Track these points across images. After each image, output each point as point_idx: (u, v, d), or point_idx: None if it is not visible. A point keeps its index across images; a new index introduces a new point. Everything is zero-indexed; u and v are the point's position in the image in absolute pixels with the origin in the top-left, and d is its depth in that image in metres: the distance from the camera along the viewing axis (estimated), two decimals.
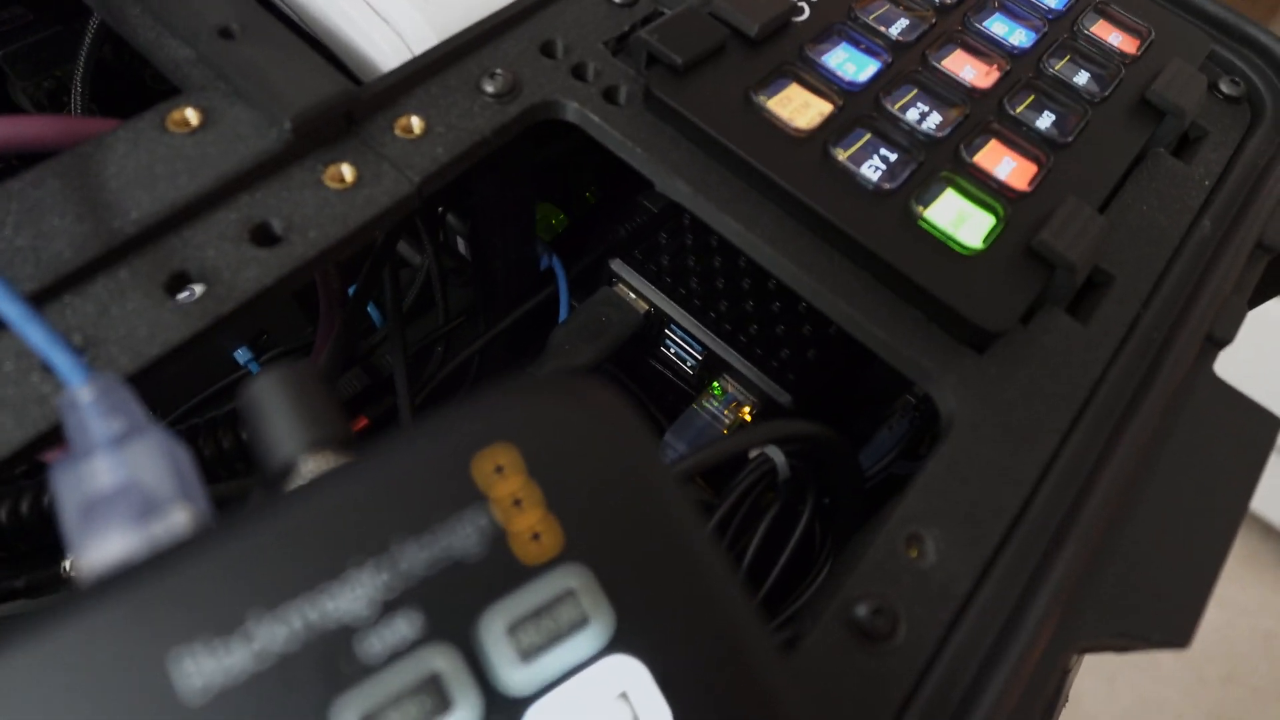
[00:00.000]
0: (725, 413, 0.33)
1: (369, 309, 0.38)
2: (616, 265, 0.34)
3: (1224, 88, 0.31)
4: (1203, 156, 0.29)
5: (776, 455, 0.27)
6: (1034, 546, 0.20)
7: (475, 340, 0.35)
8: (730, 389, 0.33)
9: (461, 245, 0.40)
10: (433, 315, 0.40)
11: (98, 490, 0.14)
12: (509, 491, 0.12)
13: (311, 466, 0.14)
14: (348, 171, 0.23)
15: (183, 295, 0.21)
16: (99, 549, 0.13)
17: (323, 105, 0.23)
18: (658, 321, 0.34)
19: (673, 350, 0.35)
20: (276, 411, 0.14)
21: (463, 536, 0.11)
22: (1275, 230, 0.27)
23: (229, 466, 0.31)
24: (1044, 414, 0.22)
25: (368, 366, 0.37)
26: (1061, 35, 0.30)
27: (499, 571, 0.11)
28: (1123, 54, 0.30)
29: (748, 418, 0.33)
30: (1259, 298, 0.27)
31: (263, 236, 0.22)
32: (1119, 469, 0.21)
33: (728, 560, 0.13)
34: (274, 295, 0.21)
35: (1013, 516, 0.21)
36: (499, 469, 0.12)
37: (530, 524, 0.12)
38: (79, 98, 0.30)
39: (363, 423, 0.35)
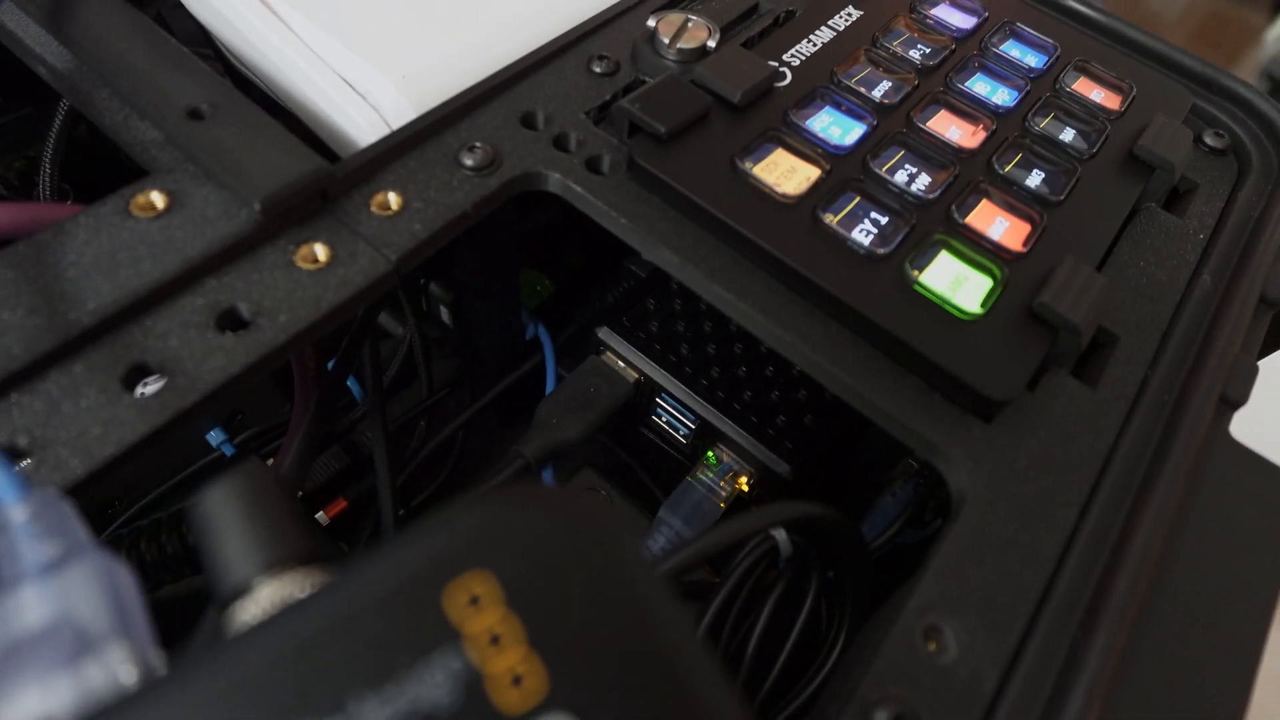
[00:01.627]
0: (722, 484, 0.31)
1: (349, 382, 0.37)
2: (604, 334, 0.33)
3: (1209, 140, 0.31)
4: (1195, 210, 0.29)
5: (778, 533, 0.26)
6: (1063, 632, 0.18)
7: (460, 414, 0.34)
8: (726, 458, 0.32)
9: (445, 314, 0.39)
10: (416, 388, 0.38)
11: (23, 629, 0.12)
12: (486, 626, 0.10)
13: (268, 592, 0.13)
14: (321, 251, 0.22)
15: (142, 389, 0.19)
16: (19, 702, 0.11)
17: (295, 185, 0.22)
18: (648, 390, 0.33)
19: (664, 419, 0.33)
20: (229, 529, 0.13)
21: (432, 685, 0.10)
22: (1277, 284, 0.26)
23: (176, 571, 0.29)
24: (1059, 486, 0.21)
25: (347, 444, 0.35)
26: (1044, 93, 0.30)
27: None
28: (1106, 110, 0.30)
29: (745, 488, 0.32)
30: (1264, 352, 0.26)
31: (230, 322, 0.21)
32: (1146, 543, 0.20)
33: (735, 695, 0.11)
34: (241, 384, 0.20)
35: (1037, 599, 0.19)
36: (474, 600, 0.10)
37: (510, 664, 0.10)
38: (47, 180, 0.29)
39: (340, 505, 0.33)
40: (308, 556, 0.13)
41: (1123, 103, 0.30)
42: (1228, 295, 0.26)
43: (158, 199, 0.22)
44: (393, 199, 0.24)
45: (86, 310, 0.20)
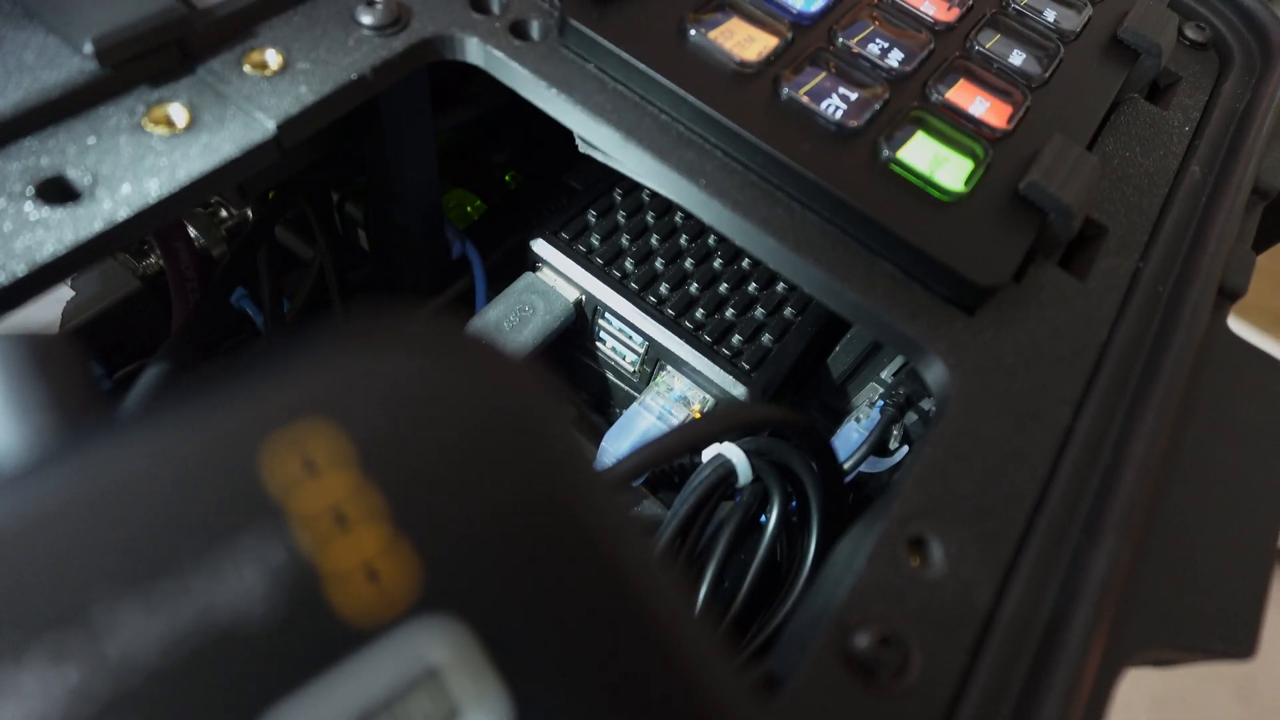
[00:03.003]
0: (673, 411, 0.28)
1: (250, 310, 0.32)
2: (539, 246, 0.29)
3: (1190, 34, 0.29)
4: (1179, 102, 0.27)
5: (735, 454, 0.23)
6: (1063, 541, 0.16)
7: None
8: (677, 385, 0.29)
9: (363, 239, 0.35)
10: (331, 319, 0.34)
11: None
12: (326, 501, 0.07)
13: None
14: (179, 114, 0.18)
15: None
16: None
17: (138, 27, 0.18)
18: (590, 310, 0.29)
19: (609, 344, 0.30)
20: None
21: (236, 585, 0.07)
22: (1269, 174, 0.24)
23: None
24: (1050, 381, 0.19)
25: None
26: None
27: (304, 640, 0.07)
28: None
29: (698, 415, 0.29)
30: (1259, 245, 0.24)
31: (55, 193, 0.17)
32: (1149, 442, 0.17)
33: (685, 595, 0.08)
34: (69, 268, 0.16)
35: (1031, 505, 0.17)
36: (309, 465, 0.07)
37: (363, 554, 0.07)
38: None
39: None
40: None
41: None
42: (1219, 186, 0.24)
43: None
44: (272, 57, 0.20)
45: None
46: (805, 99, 0.21)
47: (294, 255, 0.36)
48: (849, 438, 0.30)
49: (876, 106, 0.21)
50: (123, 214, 0.16)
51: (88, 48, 0.17)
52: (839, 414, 0.32)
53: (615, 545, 0.08)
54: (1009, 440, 0.18)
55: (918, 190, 0.20)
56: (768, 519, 0.25)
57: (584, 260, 0.29)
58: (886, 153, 0.21)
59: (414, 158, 0.27)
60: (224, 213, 0.32)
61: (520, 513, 0.08)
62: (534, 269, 0.30)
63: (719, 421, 0.19)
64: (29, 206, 0.16)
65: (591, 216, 0.30)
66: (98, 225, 0.16)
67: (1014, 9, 0.26)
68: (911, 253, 0.19)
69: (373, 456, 0.07)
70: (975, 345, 0.19)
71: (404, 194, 0.28)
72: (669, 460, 0.19)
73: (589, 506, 0.08)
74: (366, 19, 0.21)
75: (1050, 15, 0.26)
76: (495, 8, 0.22)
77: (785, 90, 0.21)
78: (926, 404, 0.28)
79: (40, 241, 0.16)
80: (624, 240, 0.30)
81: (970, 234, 0.19)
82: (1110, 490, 0.17)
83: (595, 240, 0.30)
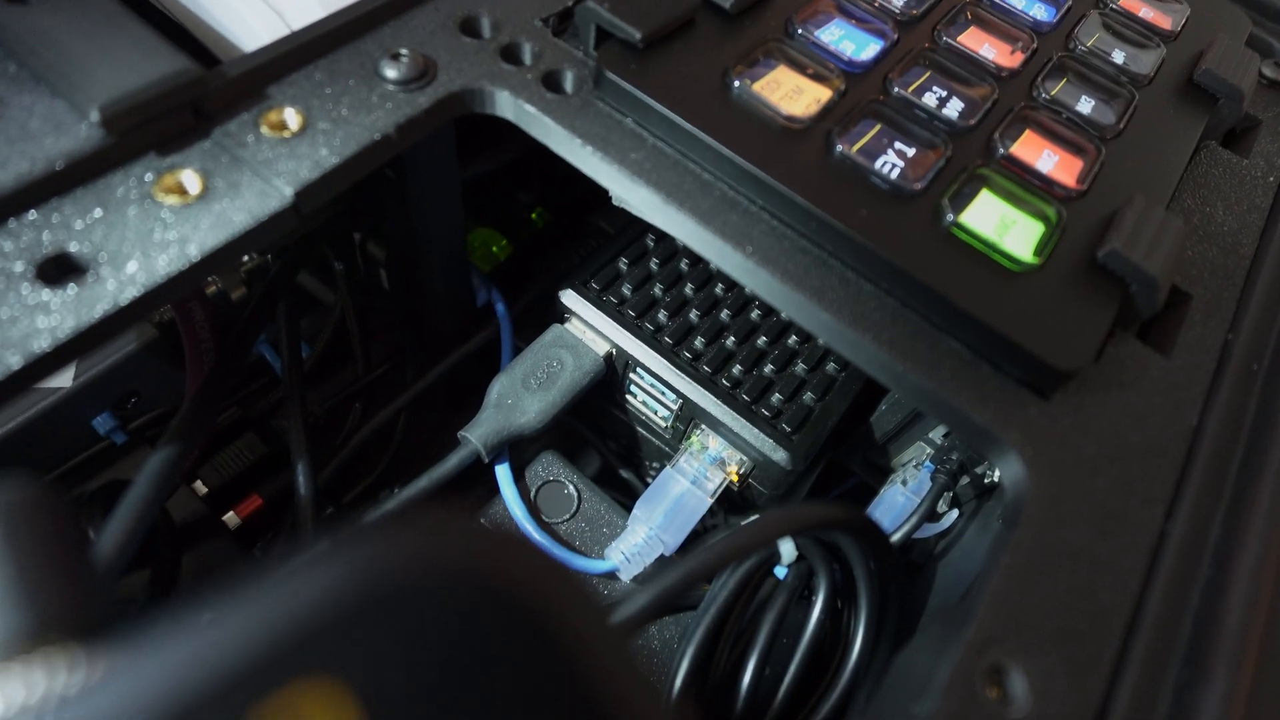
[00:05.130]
0: (708, 475, 0.27)
1: (271, 358, 0.31)
2: (568, 298, 0.28)
3: (1268, 72, 0.27)
4: (1261, 149, 0.25)
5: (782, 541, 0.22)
6: (1163, 672, 0.14)
7: (399, 395, 0.29)
8: (713, 445, 0.27)
9: (385, 279, 0.33)
10: (352, 366, 0.33)
11: None
12: None
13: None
14: (191, 180, 0.17)
15: None
16: None
17: (150, 91, 0.17)
18: (621, 364, 0.28)
19: (641, 398, 0.29)
20: None
21: None
22: None
23: None
24: (1137, 477, 0.17)
25: (265, 431, 0.30)
26: (1087, 9, 0.25)
27: None
28: (1160, 29, 0.25)
29: (735, 478, 0.27)
30: None
31: (57, 271, 0.15)
32: (1258, 551, 0.15)
33: None
34: (70, 355, 0.15)
35: (1123, 625, 0.15)
36: None
37: None
38: None
39: (255, 503, 0.28)
40: (75, 626, 0.08)
41: (1176, 22, 0.26)
42: None
43: None
44: (291, 117, 0.18)
45: None
46: (859, 157, 0.19)
47: (313, 297, 0.35)
48: (894, 501, 0.28)
49: (938, 164, 0.20)
50: (128, 295, 0.15)
51: (94, 115, 0.16)
52: (881, 471, 0.31)
53: None
54: (1093, 548, 0.16)
55: (984, 258, 0.18)
56: (813, 600, 0.23)
57: (615, 313, 0.27)
58: (949, 216, 0.19)
59: (438, 207, 0.26)
60: (243, 255, 0.31)
61: None
62: (562, 320, 0.28)
63: (771, 528, 0.18)
64: (27, 289, 0.15)
65: (623, 264, 0.29)
66: (101, 309, 0.15)
67: (1080, 49, 0.24)
68: (980, 330, 0.17)
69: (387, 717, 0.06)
70: (1053, 435, 0.17)
71: (427, 242, 0.27)
72: (712, 572, 0.17)
73: None
74: (391, 73, 0.20)
75: (1119, 57, 0.24)
76: (527, 58, 0.21)
77: (838, 147, 0.19)
78: (980, 468, 0.26)
79: (38, 329, 0.14)
80: (657, 290, 0.28)
81: (1045, 309, 0.18)
82: (1216, 610, 0.15)
83: (627, 290, 0.28)
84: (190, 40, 0.22)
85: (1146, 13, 0.26)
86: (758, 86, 0.20)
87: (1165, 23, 0.26)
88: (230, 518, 0.27)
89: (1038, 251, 0.19)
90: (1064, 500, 0.16)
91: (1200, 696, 0.14)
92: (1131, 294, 0.18)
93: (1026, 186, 0.20)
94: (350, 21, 0.20)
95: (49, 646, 0.08)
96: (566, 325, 0.28)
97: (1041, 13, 0.25)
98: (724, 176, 0.19)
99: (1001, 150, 0.21)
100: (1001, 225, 0.19)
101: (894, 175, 0.19)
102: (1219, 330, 0.20)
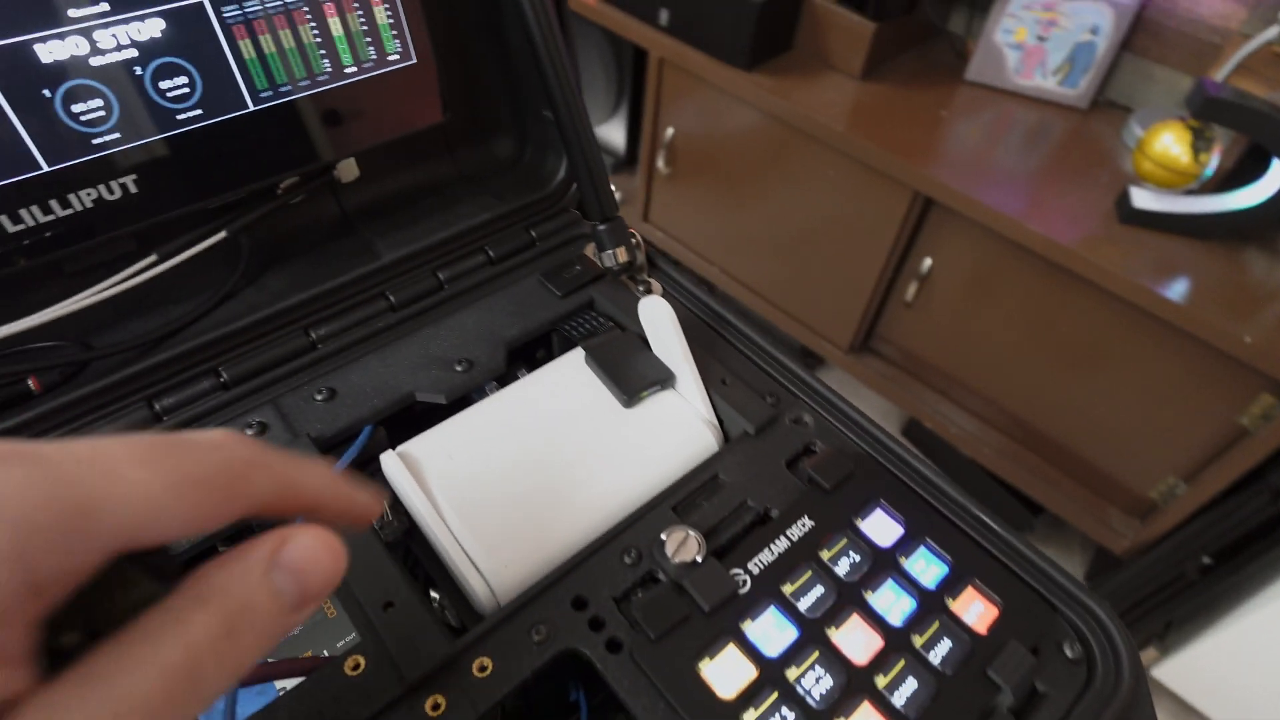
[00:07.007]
0: None
1: None
2: None
3: (1067, 650, 0.43)
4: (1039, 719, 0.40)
5: None
6: None
7: None
8: None
9: None
10: None
11: None
12: None
13: None
14: (442, 702, 0.38)
15: None
16: None
17: (434, 663, 0.38)
18: None
19: None
20: None
21: None
22: None
23: None
24: None
25: None
26: (932, 609, 0.43)
27: None
28: (975, 633, 0.42)
29: None
30: None
31: None
32: None
33: None
34: None
35: None
36: None
37: None
38: None
39: None
40: None
41: (992, 624, 0.42)
42: None
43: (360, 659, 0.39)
44: (489, 664, 0.40)
45: None
46: None
47: None
48: None
49: None
50: None
51: (403, 676, 0.38)
52: None
53: None
54: None
55: None
56: None
57: None
58: None
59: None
60: None
61: None
62: None
63: None
64: None
65: None
66: None
67: (915, 648, 0.41)
68: None
69: None
70: None
71: None
72: None
73: None
74: (536, 637, 0.41)
75: (937, 656, 0.41)
76: (602, 627, 0.42)
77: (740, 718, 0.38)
78: None
79: None
80: None
81: None
82: None
83: None
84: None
85: (975, 609, 0.43)
86: (708, 667, 0.39)
87: (984, 624, 0.42)
88: None
89: None
90: None
91: None
92: None
93: None
94: (517, 607, 0.42)
95: None
96: None
97: (900, 614, 0.43)
98: None
99: None
100: None
101: None
102: None
